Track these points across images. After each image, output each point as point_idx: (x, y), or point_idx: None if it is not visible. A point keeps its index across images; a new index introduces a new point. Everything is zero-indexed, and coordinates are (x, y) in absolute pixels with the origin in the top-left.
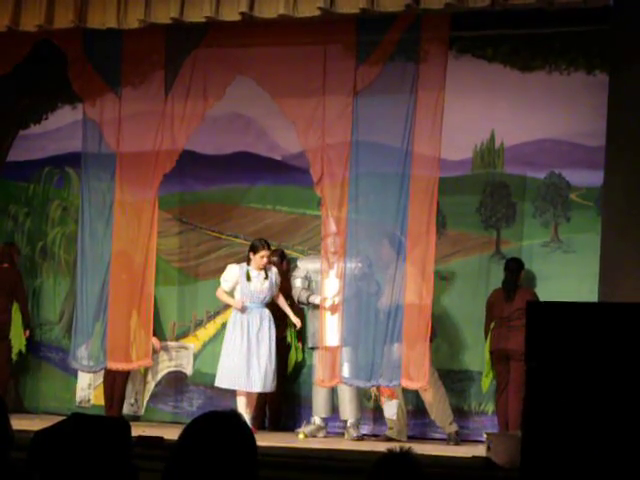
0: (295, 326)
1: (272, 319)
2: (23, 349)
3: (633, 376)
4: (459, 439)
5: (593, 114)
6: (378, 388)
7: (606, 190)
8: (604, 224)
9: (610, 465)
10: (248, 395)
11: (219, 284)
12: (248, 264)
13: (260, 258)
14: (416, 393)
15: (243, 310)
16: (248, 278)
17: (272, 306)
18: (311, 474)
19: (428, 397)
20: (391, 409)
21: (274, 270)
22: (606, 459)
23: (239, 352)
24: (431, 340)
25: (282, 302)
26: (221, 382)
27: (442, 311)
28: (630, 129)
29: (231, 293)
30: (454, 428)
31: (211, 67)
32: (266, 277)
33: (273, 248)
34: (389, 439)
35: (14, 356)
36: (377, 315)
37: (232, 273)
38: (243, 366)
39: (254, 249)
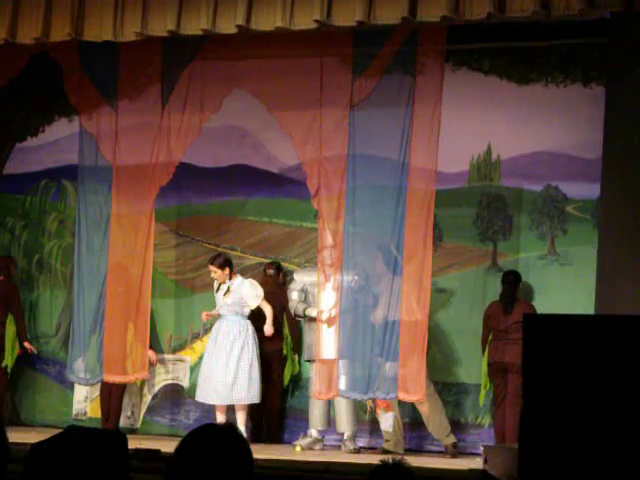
0: (291, 338)
1: (247, 330)
2: (10, 364)
3: (630, 389)
4: (456, 451)
5: (590, 127)
6: (374, 400)
7: (603, 203)
8: (601, 237)
9: (607, 479)
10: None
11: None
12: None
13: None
14: (413, 406)
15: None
16: (217, 289)
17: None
18: None
19: (425, 410)
20: (387, 421)
21: (240, 283)
22: (603, 473)
23: (208, 363)
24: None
25: (267, 311)
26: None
27: (439, 324)
28: (627, 141)
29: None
30: (451, 440)
31: (208, 80)
32: (227, 291)
33: (269, 261)
34: (386, 452)
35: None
36: (373, 328)
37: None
38: (220, 378)
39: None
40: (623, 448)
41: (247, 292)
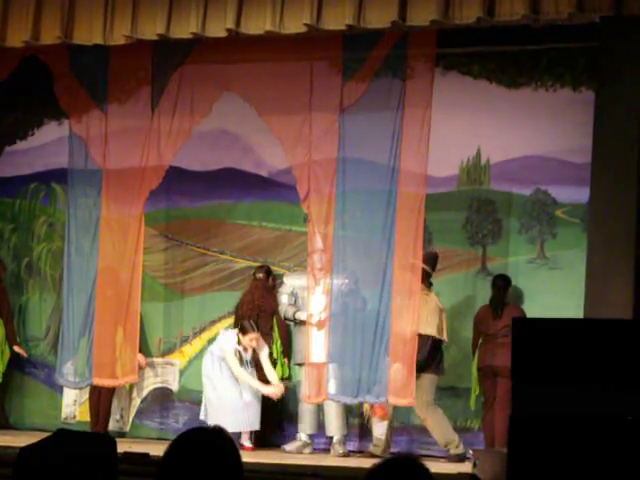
0: (281, 342)
1: None
2: (1, 369)
3: (620, 391)
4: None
5: (579, 131)
6: (371, 408)
7: (592, 207)
8: (590, 240)
9: None
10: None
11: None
12: (239, 343)
13: (250, 341)
14: (406, 410)
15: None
16: (241, 363)
17: (262, 321)
18: None
19: (428, 424)
20: (381, 429)
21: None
22: (590, 476)
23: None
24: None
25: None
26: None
27: None
28: (616, 146)
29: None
30: (459, 451)
31: (198, 83)
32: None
33: (259, 264)
34: (373, 456)
35: None
36: (363, 331)
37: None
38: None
39: (243, 330)
40: (612, 449)
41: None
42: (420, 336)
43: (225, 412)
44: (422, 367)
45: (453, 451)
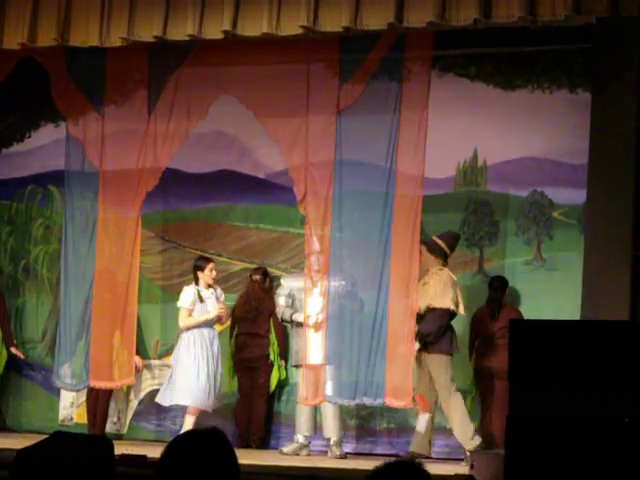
0: (278, 343)
1: (217, 337)
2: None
3: (617, 392)
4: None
5: (576, 132)
6: (414, 399)
7: (589, 208)
8: (587, 242)
9: None
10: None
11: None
12: (196, 284)
13: (209, 272)
14: (404, 412)
15: (219, 319)
16: (201, 300)
17: (259, 323)
18: None
19: (446, 410)
20: (422, 422)
21: (219, 288)
22: (589, 477)
23: (202, 370)
24: (452, 353)
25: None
26: (179, 399)
27: None
28: (612, 147)
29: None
30: (476, 442)
31: (194, 86)
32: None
33: (255, 266)
34: (412, 454)
35: None
36: (361, 333)
37: (190, 295)
38: (206, 384)
39: (200, 267)
40: (610, 451)
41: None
42: (434, 309)
43: (188, 386)
44: (434, 341)
45: (468, 445)
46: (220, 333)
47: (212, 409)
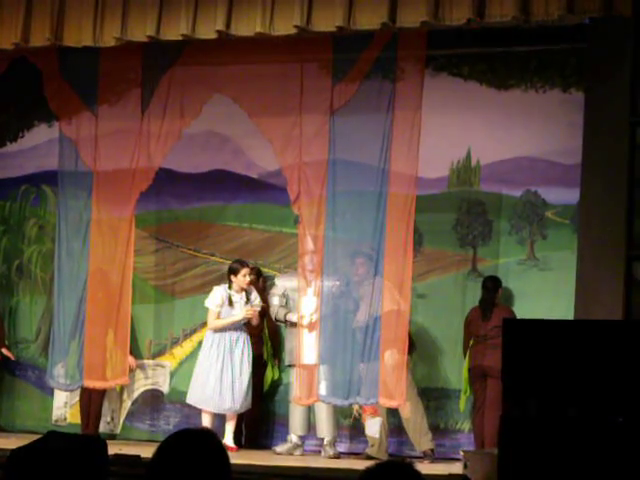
0: (271, 343)
1: (248, 341)
2: None
3: (610, 392)
4: (434, 457)
5: (569, 132)
6: (361, 406)
7: (582, 208)
8: (580, 242)
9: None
10: (216, 415)
11: (206, 309)
12: (229, 287)
13: (243, 277)
14: (395, 410)
15: (250, 321)
16: (230, 303)
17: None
18: None
19: (405, 412)
20: (374, 427)
21: (254, 291)
22: (582, 476)
23: (213, 372)
24: (410, 353)
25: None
26: (192, 399)
27: (419, 329)
28: (606, 147)
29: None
30: (429, 446)
31: (188, 85)
32: (247, 301)
33: (250, 266)
34: (369, 457)
35: None
36: (354, 333)
37: (219, 296)
38: (216, 387)
39: (234, 271)
40: (602, 449)
41: (258, 301)
42: None
43: (201, 388)
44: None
45: (422, 446)
46: None
47: (234, 412)
